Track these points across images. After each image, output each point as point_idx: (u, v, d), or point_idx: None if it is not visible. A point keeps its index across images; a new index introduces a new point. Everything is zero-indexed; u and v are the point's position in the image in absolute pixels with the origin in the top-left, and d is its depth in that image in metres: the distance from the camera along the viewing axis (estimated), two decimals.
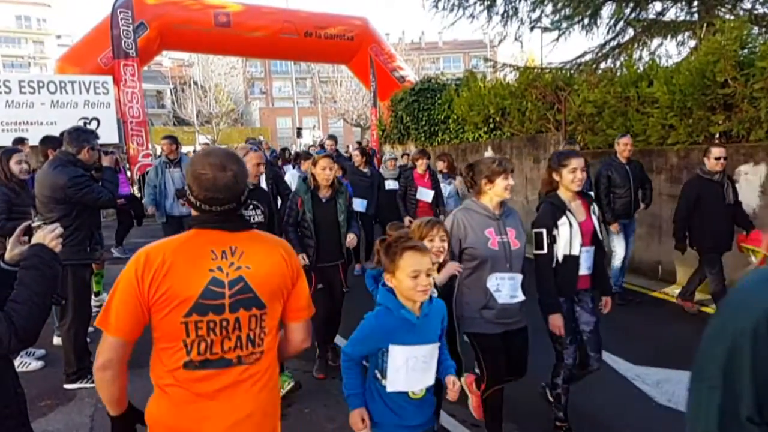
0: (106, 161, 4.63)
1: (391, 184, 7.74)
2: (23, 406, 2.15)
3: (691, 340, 4.64)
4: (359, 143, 18.60)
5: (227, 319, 1.74)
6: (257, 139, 13.57)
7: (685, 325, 5.43)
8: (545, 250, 3.27)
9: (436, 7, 11.45)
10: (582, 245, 3.29)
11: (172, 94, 36.81)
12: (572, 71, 10.01)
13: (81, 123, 11.96)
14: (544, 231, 3.27)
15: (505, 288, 3.06)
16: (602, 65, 10.16)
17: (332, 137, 10.15)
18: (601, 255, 3.50)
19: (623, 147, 6.16)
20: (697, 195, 5.31)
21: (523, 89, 9.72)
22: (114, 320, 1.67)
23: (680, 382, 4.12)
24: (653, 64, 7.74)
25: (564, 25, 10.62)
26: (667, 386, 4.09)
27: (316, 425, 3.67)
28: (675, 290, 6.56)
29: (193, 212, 1.81)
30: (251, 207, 4.02)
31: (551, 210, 3.31)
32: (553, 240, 3.27)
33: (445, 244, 2.96)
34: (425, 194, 7.10)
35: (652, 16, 10.28)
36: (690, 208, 5.35)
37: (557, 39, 10.78)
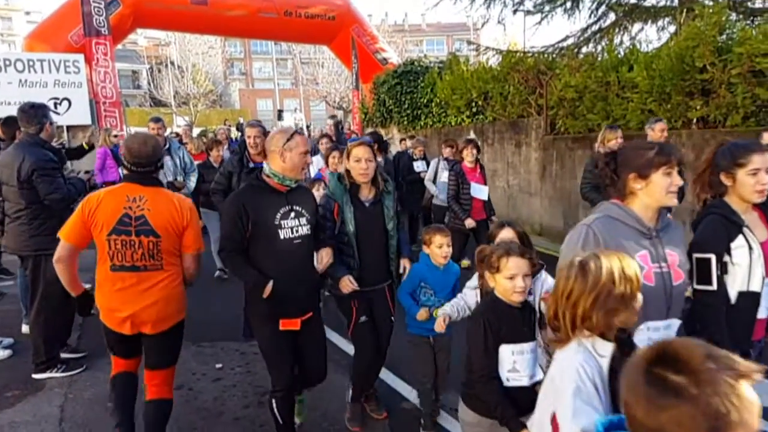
0: (83, 176, 4.50)
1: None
2: None
3: None
4: (340, 125, 18.38)
5: (133, 241, 2.82)
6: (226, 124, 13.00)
7: None
8: (714, 285, 2.24)
9: None
10: (764, 277, 2.29)
11: (148, 75, 35.95)
12: (554, 55, 9.98)
13: (51, 103, 11.59)
14: (713, 258, 2.24)
15: None
16: (584, 50, 10.14)
17: (334, 117, 8.74)
18: None
19: (659, 133, 5.29)
20: None
21: (506, 73, 9.67)
22: (68, 231, 2.84)
23: None
24: (634, 49, 7.73)
25: (546, 8, 10.57)
26: None
27: None
28: None
29: (125, 171, 2.96)
30: (292, 215, 2.88)
31: (724, 226, 2.28)
32: (723, 269, 2.27)
33: None
34: (479, 191, 6.00)
35: (633, 0, 10.26)
36: None
37: (540, 22, 10.73)
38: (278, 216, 2.83)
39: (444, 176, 6.96)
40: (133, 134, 3.07)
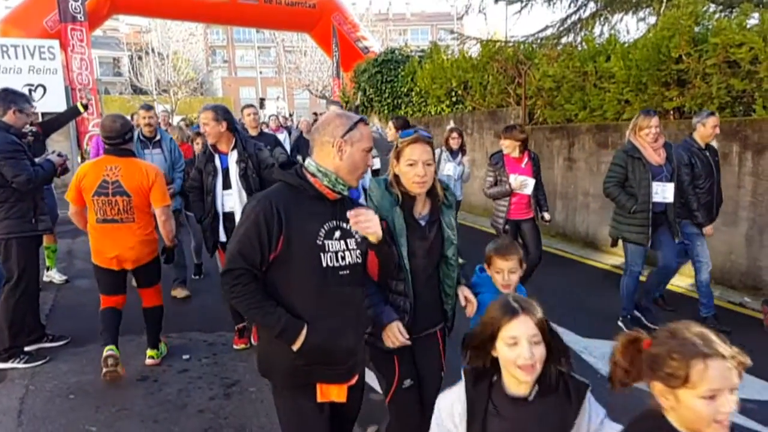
0: (55, 159, 4.33)
1: (376, 164, 6.59)
2: None
3: None
4: (315, 114, 18.21)
5: (111, 200, 3.76)
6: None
7: None
8: None
9: None
10: None
11: (129, 62, 35.32)
12: (534, 45, 9.95)
13: (26, 90, 11.32)
14: None
15: None
16: (563, 40, 10.12)
17: (335, 102, 6.92)
18: None
19: (711, 130, 4.63)
20: None
21: (485, 62, 9.64)
22: (69, 195, 3.81)
23: None
24: (612, 39, 7.72)
25: None
26: None
27: (262, 405, 3.54)
28: (613, 260, 6.67)
29: (105, 146, 3.85)
30: (338, 235, 2.05)
31: None
32: None
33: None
34: (521, 183, 5.01)
35: None
36: None
37: (520, 11, 10.68)
38: (322, 233, 2.00)
39: (447, 168, 6.44)
40: (107, 114, 3.97)
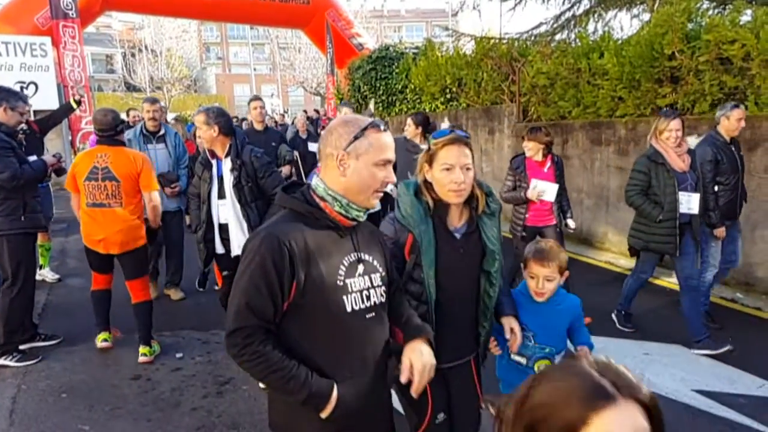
0: (49, 159, 4.36)
1: None
2: None
3: (631, 309, 4.74)
4: (305, 111, 18.17)
5: (101, 185, 3.99)
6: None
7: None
8: None
9: None
10: None
11: (122, 59, 35.12)
12: (528, 42, 9.95)
13: (17, 87, 11.25)
14: None
15: None
16: (557, 37, 10.12)
17: (347, 104, 6.37)
18: None
19: (736, 123, 4.43)
20: None
21: (479, 59, 9.64)
22: (68, 183, 4.10)
23: (616, 351, 4.18)
24: (605, 35, 7.73)
25: None
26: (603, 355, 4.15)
27: (255, 403, 3.55)
28: (607, 256, 6.70)
29: (97, 137, 4.14)
30: (360, 270, 1.68)
31: None
32: None
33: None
34: (541, 189, 4.66)
35: None
36: None
37: (513, 8, 10.67)
38: (342, 271, 1.64)
39: None
40: (98, 108, 4.24)
